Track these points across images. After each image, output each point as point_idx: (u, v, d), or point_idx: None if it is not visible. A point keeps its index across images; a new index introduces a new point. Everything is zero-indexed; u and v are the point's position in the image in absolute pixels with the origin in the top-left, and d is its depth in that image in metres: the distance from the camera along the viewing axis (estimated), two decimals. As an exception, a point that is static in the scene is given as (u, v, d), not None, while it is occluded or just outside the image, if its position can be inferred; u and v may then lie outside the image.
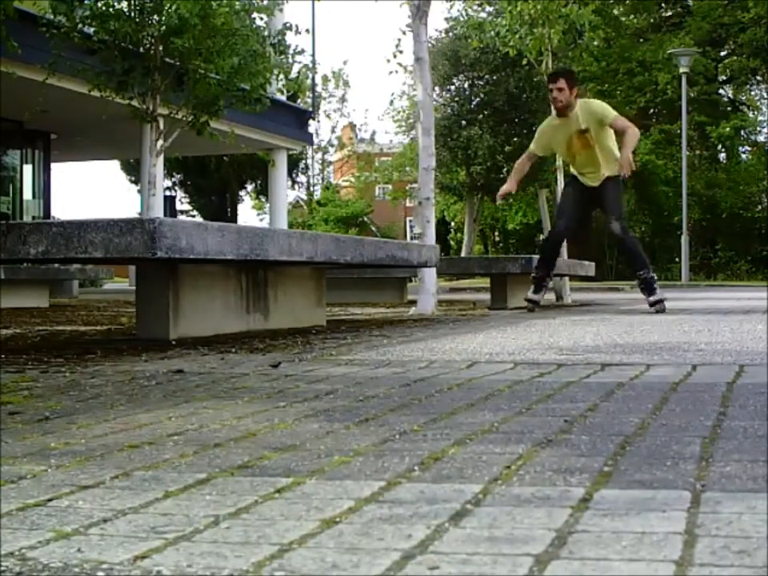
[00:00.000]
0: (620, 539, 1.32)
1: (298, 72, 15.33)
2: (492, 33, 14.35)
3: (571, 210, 9.01)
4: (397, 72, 45.33)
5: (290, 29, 13.80)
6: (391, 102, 49.52)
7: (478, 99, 31.67)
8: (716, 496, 1.56)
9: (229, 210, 40.42)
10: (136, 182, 33.99)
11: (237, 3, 12.96)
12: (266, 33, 13.83)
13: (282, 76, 14.72)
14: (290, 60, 13.94)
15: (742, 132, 38.61)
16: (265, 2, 14.38)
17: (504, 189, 9.09)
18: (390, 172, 43.08)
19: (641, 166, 32.61)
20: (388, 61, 32.52)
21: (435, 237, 9.45)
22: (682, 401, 2.70)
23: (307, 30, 14.51)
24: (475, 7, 31.26)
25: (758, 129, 39.99)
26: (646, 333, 5.76)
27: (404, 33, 12.67)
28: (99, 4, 12.13)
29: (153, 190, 13.42)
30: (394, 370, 3.66)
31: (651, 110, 36.26)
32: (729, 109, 38.35)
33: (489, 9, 30.73)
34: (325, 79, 54.94)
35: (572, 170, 9.12)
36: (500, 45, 14.04)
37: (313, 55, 24.01)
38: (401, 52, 17.63)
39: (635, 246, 8.76)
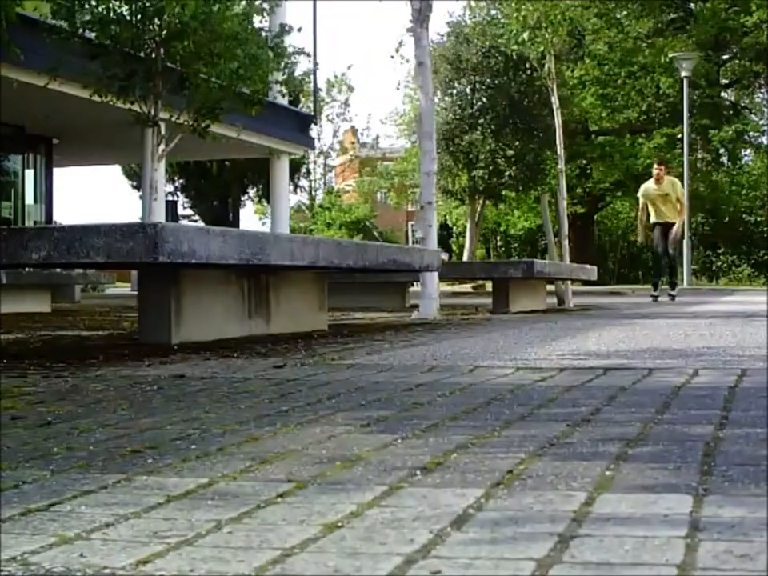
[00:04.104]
0: (622, 543, 1.32)
1: (294, 74, 15.23)
2: (495, 33, 14.61)
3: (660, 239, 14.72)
4: (401, 64, 45.24)
5: (288, 32, 13.81)
6: (397, 88, 49.08)
7: (479, 103, 31.68)
8: (718, 500, 1.56)
9: (231, 214, 40.42)
10: (138, 187, 33.98)
11: (238, 8, 12.96)
12: (265, 35, 13.84)
13: (281, 77, 14.73)
14: (290, 60, 13.92)
15: (746, 136, 38.58)
16: (265, 5, 14.38)
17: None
18: (391, 176, 43.05)
19: (642, 170, 32.64)
20: (392, 57, 32.89)
21: (437, 241, 9.45)
22: (684, 405, 2.70)
23: (300, 29, 14.50)
24: (478, 11, 31.36)
25: (761, 132, 39.96)
26: (648, 337, 5.76)
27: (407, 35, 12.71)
28: (100, 8, 12.13)
29: (154, 195, 13.42)
30: (395, 375, 3.66)
31: (653, 114, 36.25)
32: (731, 112, 38.32)
33: (492, 12, 30.80)
34: (329, 84, 54.99)
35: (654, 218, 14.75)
36: (503, 46, 14.27)
37: (314, 58, 24.00)
38: (402, 46, 17.96)
39: (675, 261, 15.88)
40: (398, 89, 54.66)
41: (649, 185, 15.05)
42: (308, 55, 16.17)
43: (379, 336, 6.17)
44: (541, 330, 6.75)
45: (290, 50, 13.84)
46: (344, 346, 5.24)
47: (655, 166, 15.03)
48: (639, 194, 15.31)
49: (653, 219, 14.82)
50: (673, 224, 14.70)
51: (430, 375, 3.63)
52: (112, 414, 2.71)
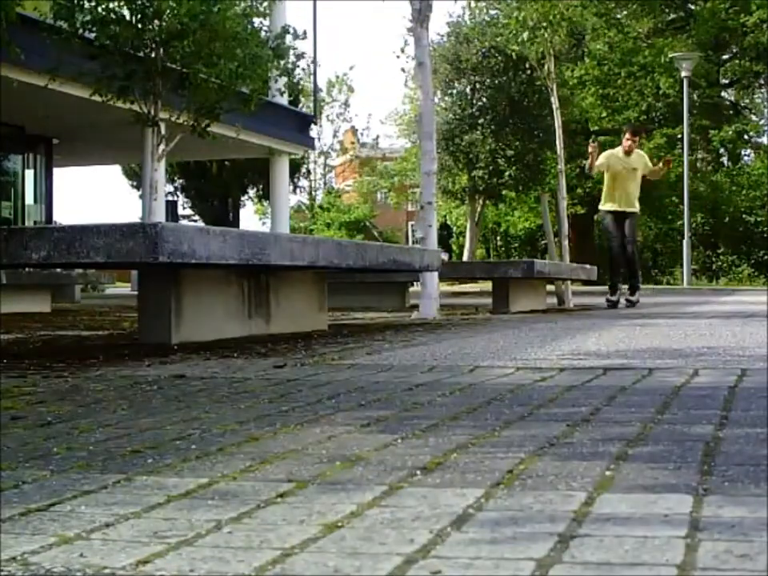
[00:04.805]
0: (622, 543, 1.32)
1: (294, 71, 15.21)
2: (495, 32, 14.61)
3: (615, 231, 11.88)
4: (407, 62, 45.32)
5: (289, 33, 13.81)
6: (405, 84, 49.09)
7: (479, 103, 31.70)
8: (718, 500, 1.56)
9: (231, 214, 40.41)
10: (138, 187, 33.97)
11: (238, 8, 12.96)
12: (264, 36, 13.84)
13: (283, 79, 14.73)
14: (290, 62, 13.93)
15: (746, 136, 38.60)
16: (264, 4, 14.39)
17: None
18: (391, 176, 43.09)
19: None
20: (397, 57, 33.15)
21: (437, 241, 9.46)
22: (684, 405, 2.70)
23: (305, 32, 14.48)
24: (478, 11, 31.37)
25: (761, 132, 39.98)
26: (648, 337, 5.76)
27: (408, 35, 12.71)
28: (100, 9, 12.13)
29: (154, 195, 13.42)
30: (395, 375, 3.66)
31: (654, 114, 36.26)
32: (731, 112, 38.33)
33: (492, 12, 30.81)
34: (330, 84, 55.06)
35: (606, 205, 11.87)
36: (502, 45, 14.24)
37: (314, 58, 24.01)
38: (407, 46, 17.91)
39: (636, 260, 12.09)
40: (405, 85, 54.56)
41: (615, 152, 11.88)
42: (306, 59, 16.17)
43: (379, 336, 6.16)
44: (541, 329, 6.75)
45: (292, 51, 13.84)
46: (344, 346, 5.24)
47: (627, 135, 11.79)
48: (601, 156, 11.84)
49: (607, 206, 11.75)
50: (631, 213, 11.68)
51: (430, 375, 3.63)
52: (112, 414, 2.71)
